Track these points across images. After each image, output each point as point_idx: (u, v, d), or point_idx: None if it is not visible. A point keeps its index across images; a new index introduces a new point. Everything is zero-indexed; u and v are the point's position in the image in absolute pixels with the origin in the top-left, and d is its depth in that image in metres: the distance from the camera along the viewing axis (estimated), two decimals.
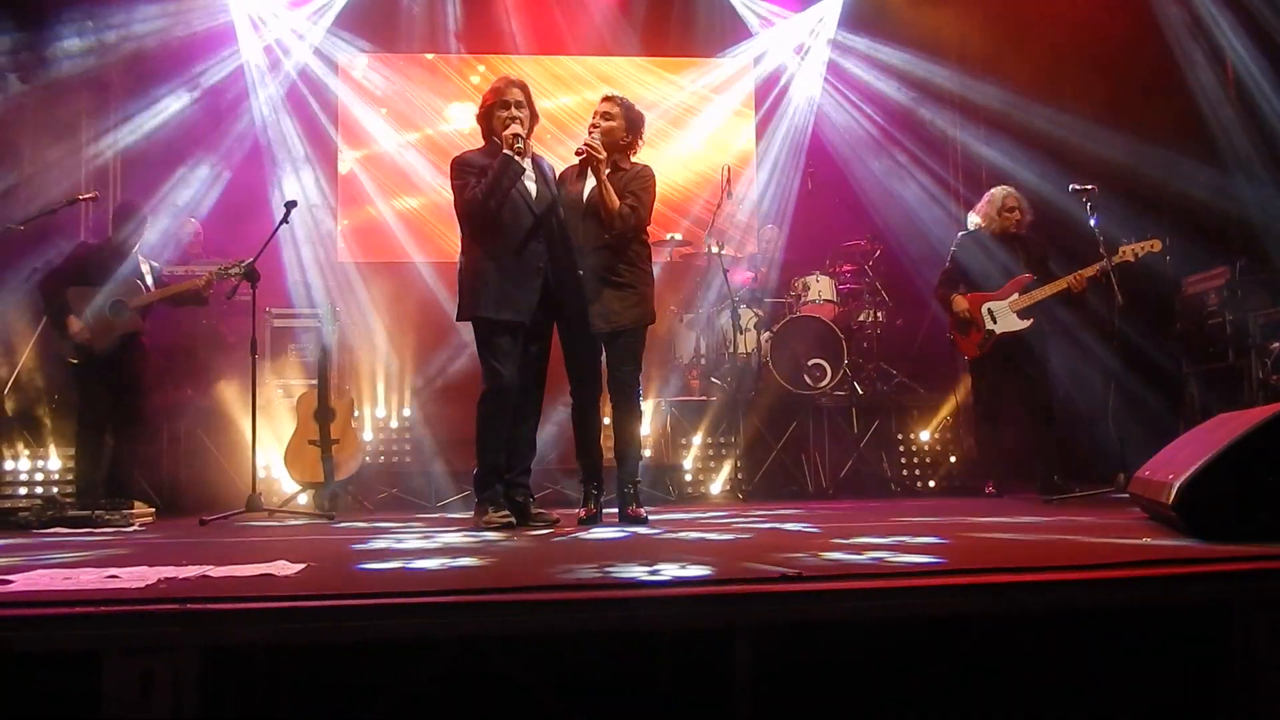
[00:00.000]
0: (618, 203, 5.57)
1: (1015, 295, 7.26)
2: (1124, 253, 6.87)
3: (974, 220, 7.62)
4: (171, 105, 9.61)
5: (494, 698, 2.58)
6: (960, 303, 7.40)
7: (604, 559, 3.64)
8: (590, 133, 5.70)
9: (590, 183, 5.66)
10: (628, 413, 5.76)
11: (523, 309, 5.53)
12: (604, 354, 5.77)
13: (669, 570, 3.20)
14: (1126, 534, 4.11)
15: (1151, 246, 6.87)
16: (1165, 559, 3.06)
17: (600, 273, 5.63)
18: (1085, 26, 8.79)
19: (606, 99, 5.85)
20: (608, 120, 5.73)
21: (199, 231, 8.99)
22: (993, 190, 7.59)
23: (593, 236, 5.65)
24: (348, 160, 10.51)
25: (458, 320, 5.72)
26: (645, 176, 5.77)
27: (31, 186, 8.55)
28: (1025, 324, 7.25)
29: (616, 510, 5.76)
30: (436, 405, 8.77)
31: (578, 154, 5.65)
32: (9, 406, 7.98)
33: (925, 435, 8.70)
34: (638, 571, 3.21)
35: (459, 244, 5.74)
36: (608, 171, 5.62)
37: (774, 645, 2.59)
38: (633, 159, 5.85)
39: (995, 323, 7.30)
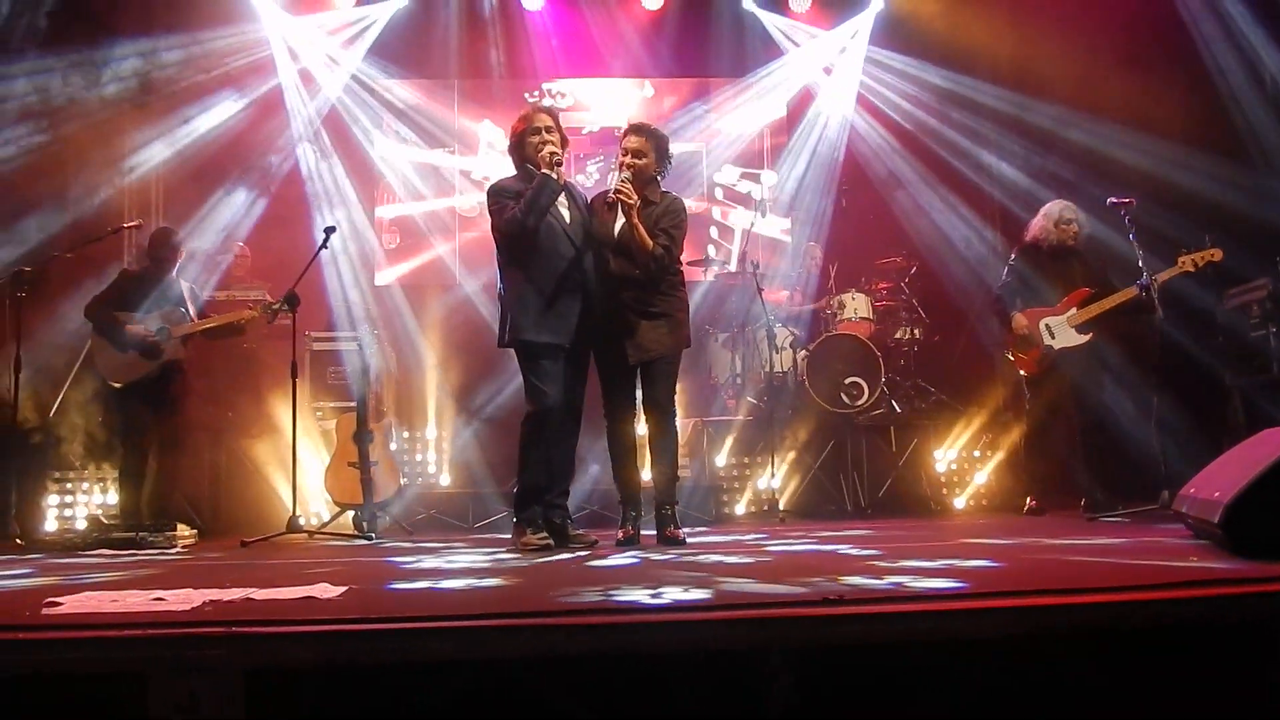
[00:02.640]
0: (650, 244, 5.58)
1: (1073, 310, 7.17)
2: (1183, 263, 6.72)
3: (1031, 234, 7.52)
4: (212, 130, 9.75)
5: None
6: (1020, 321, 7.28)
7: (646, 581, 3.64)
8: (620, 170, 5.71)
9: (621, 218, 5.66)
10: (664, 435, 5.78)
11: (562, 332, 5.57)
12: (639, 378, 5.79)
13: (702, 592, 3.19)
14: (1172, 553, 4.07)
15: (1212, 256, 6.71)
16: (1212, 579, 3.02)
17: (633, 305, 5.68)
18: (1118, 38, 8.73)
19: (633, 132, 5.82)
20: (638, 158, 5.72)
21: (245, 255, 9.11)
22: (1049, 204, 7.50)
23: (624, 270, 5.68)
24: (385, 183, 10.59)
25: (500, 346, 5.77)
26: (676, 211, 5.78)
27: (77, 210, 8.70)
28: (1084, 339, 7.14)
29: (655, 532, 5.77)
30: (475, 427, 8.81)
31: (608, 201, 5.64)
32: (54, 430, 8.08)
33: (964, 453, 8.63)
34: (676, 594, 3.21)
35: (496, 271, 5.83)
36: (638, 202, 5.62)
37: (815, 669, 2.57)
38: (662, 185, 5.89)
39: (1054, 338, 7.18)
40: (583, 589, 3.38)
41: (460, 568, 4.49)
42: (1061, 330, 7.17)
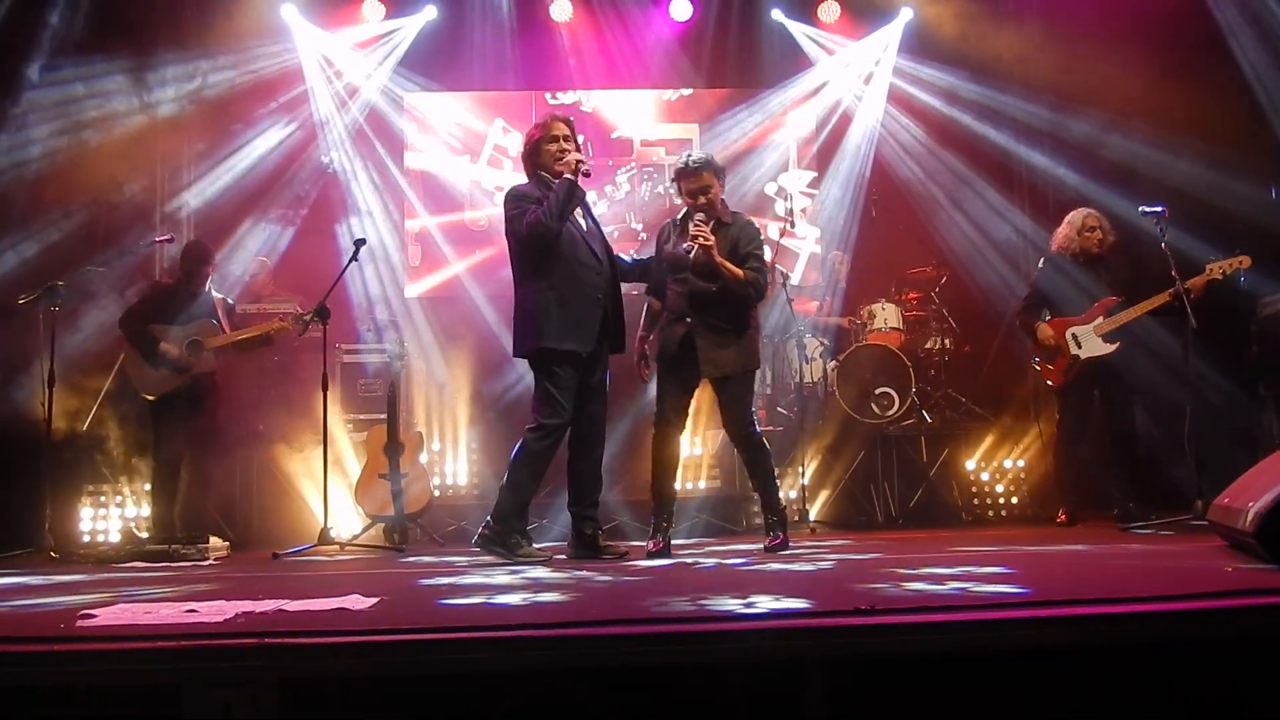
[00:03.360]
0: (742, 273, 5.70)
1: (1100, 319, 7.12)
2: (1210, 270, 6.67)
3: (1056, 243, 7.48)
4: (243, 145, 9.81)
5: None
6: (1045, 331, 7.23)
7: (681, 593, 3.64)
8: (692, 215, 5.75)
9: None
10: (755, 450, 5.92)
11: (583, 340, 5.58)
12: (717, 399, 5.95)
13: (738, 604, 3.18)
14: (1206, 562, 4.03)
15: (1240, 263, 6.65)
16: (1248, 588, 2.99)
17: (708, 322, 5.75)
18: (1154, 48, 8.65)
19: (690, 175, 5.83)
20: (706, 194, 5.80)
21: (270, 271, 9.15)
22: (1073, 212, 7.46)
23: (699, 290, 5.74)
24: (414, 194, 10.62)
25: (516, 355, 5.82)
26: (752, 233, 5.90)
27: (109, 225, 8.78)
28: (1111, 348, 7.08)
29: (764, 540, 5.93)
30: (503, 439, 8.81)
31: (688, 249, 5.68)
32: (87, 443, 8.14)
33: (995, 463, 8.57)
34: (729, 604, 3.20)
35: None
36: (712, 225, 5.73)
37: (848, 679, 2.56)
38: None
39: (1080, 348, 7.12)
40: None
41: (505, 583, 4.49)
42: (1088, 339, 7.12)
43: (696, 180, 5.79)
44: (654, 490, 5.93)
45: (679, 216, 5.99)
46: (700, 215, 5.72)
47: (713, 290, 5.71)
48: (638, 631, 2.75)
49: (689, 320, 5.72)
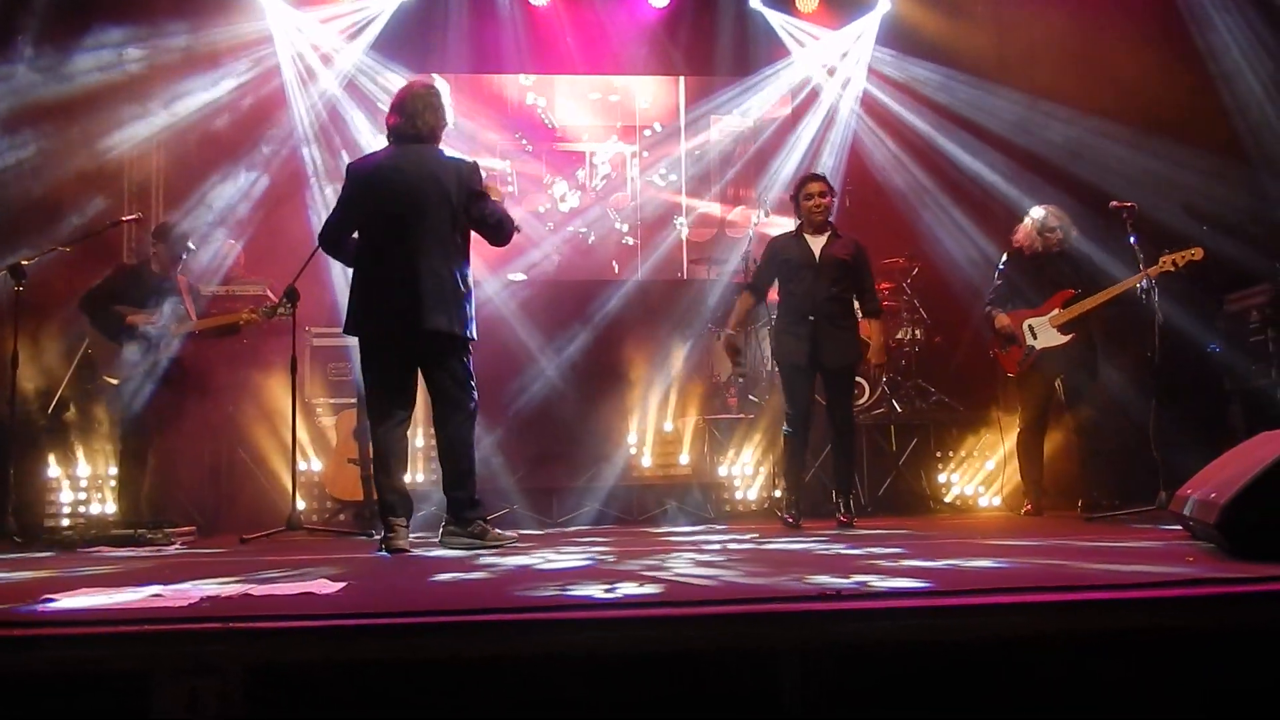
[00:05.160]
0: (876, 305, 6.97)
1: (1056, 310, 7.22)
2: (1164, 262, 6.72)
3: (1016, 240, 7.57)
4: (212, 121, 9.69)
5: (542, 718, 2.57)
6: (1002, 320, 7.38)
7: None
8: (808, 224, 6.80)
9: (820, 241, 6.77)
10: (854, 436, 6.94)
11: None
12: (829, 385, 6.80)
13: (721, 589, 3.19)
14: (1169, 553, 4.07)
15: (1193, 255, 6.72)
16: (1209, 579, 3.02)
17: (829, 318, 6.65)
18: (1128, 39, 8.72)
19: (816, 179, 6.90)
20: (825, 197, 6.81)
21: (240, 254, 9.06)
22: (1034, 209, 7.55)
23: (823, 288, 6.65)
24: None
25: (463, 334, 5.62)
26: (868, 255, 6.92)
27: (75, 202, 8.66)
28: (1065, 339, 7.19)
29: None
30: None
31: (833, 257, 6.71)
32: (52, 426, 8.05)
33: (964, 453, 8.63)
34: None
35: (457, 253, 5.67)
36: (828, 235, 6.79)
37: (821, 666, 2.56)
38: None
39: (1035, 339, 7.25)
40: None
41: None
42: (1044, 330, 7.24)
43: (821, 182, 6.85)
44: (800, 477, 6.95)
45: (796, 228, 6.89)
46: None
47: (835, 292, 6.63)
48: (608, 616, 2.74)
49: (813, 318, 6.57)
